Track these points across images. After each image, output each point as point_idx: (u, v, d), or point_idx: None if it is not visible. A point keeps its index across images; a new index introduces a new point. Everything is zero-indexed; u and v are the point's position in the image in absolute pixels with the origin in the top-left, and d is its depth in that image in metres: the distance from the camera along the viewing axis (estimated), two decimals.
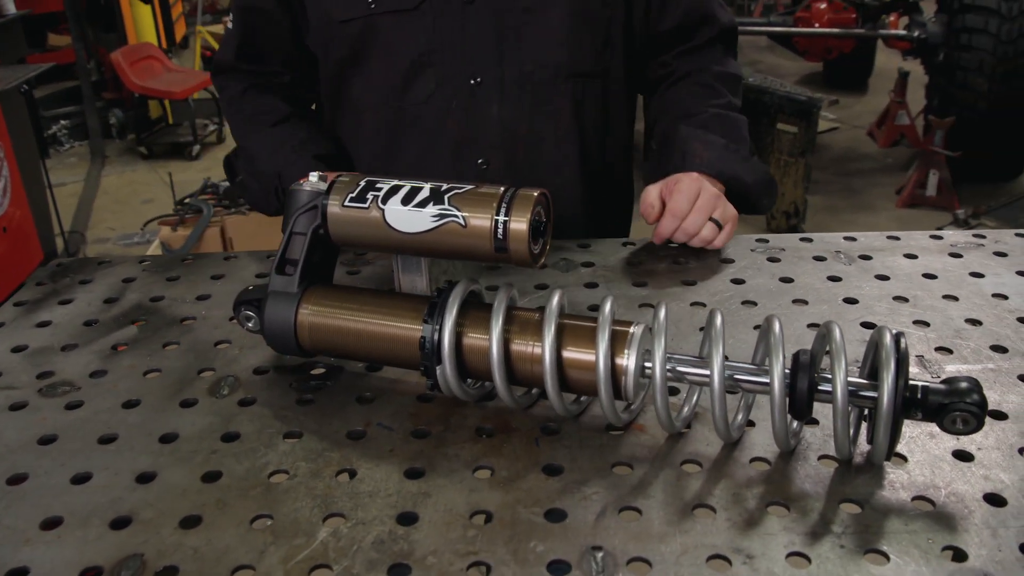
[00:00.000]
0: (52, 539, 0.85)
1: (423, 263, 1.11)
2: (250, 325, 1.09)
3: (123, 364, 1.14)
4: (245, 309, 1.09)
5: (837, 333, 0.88)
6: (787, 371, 0.88)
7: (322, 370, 1.11)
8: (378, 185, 1.03)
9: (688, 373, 0.92)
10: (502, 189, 0.99)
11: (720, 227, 1.36)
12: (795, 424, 0.92)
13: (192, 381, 1.10)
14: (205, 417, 1.02)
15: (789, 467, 0.90)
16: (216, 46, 7.53)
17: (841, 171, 6.39)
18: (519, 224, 0.96)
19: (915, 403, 0.86)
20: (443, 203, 0.99)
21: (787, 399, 0.87)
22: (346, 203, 1.03)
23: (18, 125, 4.31)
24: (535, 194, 0.98)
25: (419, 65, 1.48)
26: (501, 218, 0.97)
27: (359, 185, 1.04)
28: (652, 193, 1.41)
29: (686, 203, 1.36)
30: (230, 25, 1.61)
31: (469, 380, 1.02)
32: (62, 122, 7.59)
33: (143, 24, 7.58)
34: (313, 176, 1.08)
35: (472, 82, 1.47)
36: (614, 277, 1.33)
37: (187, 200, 4.71)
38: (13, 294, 1.35)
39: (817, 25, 6.61)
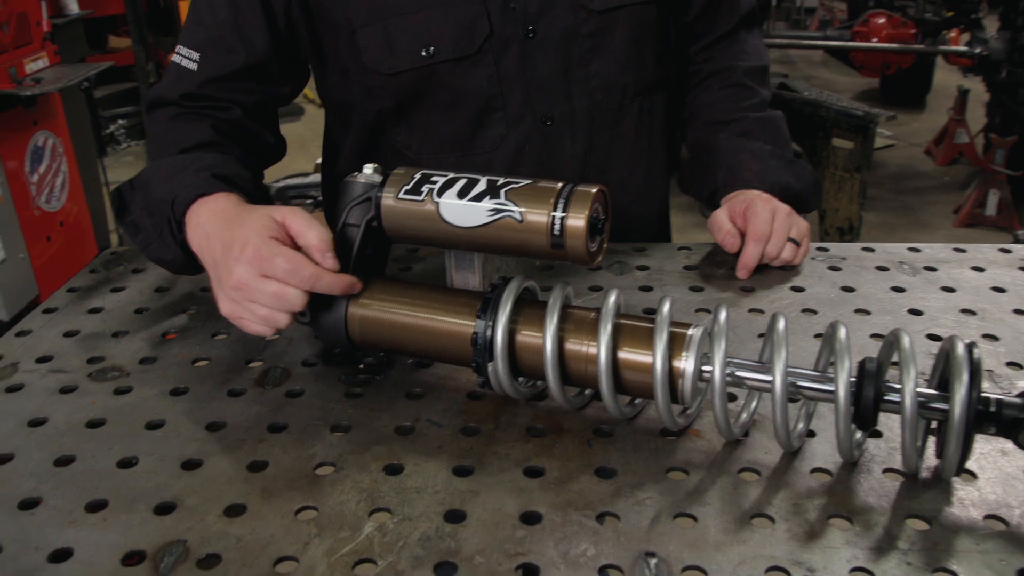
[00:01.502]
0: (97, 521, 0.84)
1: (476, 260, 1.09)
2: (300, 318, 1.08)
3: (172, 352, 1.14)
4: None
5: (906, 341, 0.84)
6: (853, 379, 0.84)
7: (372, 363, 1.10)
8: (433, 178, 1.01)
9: (748, 378, 0.89)
10: (560, 184, 0.97)
11: (798, 245, 1.32)
12: (859, 435, 0.89)
13: (240, 371, 1.09)
14: (252, 407, 1.01)
15: (852, 479, 0.86)
16: None
17: (897, 188, 6.26)
18: (577, 220, 0.94)
19: (988, 417, 0.82)
20: (499, 197, 0.97)
21: (852, 408, 0.84)
22: (401, 195, 1.02)
23: (78, 123, 4.40)
24: (594, 190, 0.96)
25: (486, 111, 1.37)
26: (559, 214, 0.95)
27: (414, 178, 1.02)
28: (725, 220, 1.35)
29: (765, 227, 1.29)
30: (180, 60, 1.32)
31: (521, 378, 1.00)
32: (120, 122, 7.74)
33: None
34: (368, 168, 1.07)
35: (546, 123, 1.39)
36: (670, 281, 1.29)
37: None
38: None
39: (875, 40, 6.49)
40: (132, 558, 0.80)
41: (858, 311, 1.19)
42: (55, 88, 3.70)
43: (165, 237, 1.16)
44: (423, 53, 1.32)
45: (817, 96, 5.04)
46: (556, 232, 0.95)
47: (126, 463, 0.93)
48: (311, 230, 1.01)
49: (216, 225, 1.08)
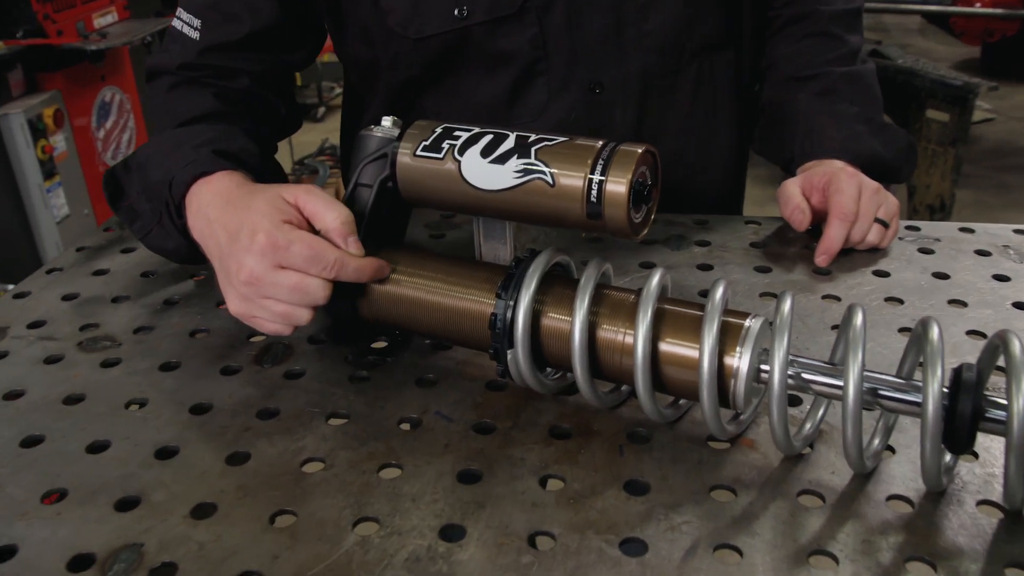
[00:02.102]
0: (50, 515, 0.74)
1: (508, 229, 0.95)
2: None
3: (171, 321, 1.03)
4: None
5: (1016, 346, 0.68)
6: (945, 389, 0.68)
7: (383, 344, 0.97)
8: (456, 133, 0.88)
9: (815, 382, 0.74)
10: (600, 143, 0.82)
11: (887, 226, 1.14)
12: (949, 458, 0.73)
13: (240, 346, 0.98)
14: (245, 388, 0.90)
15: (938, 512, 0.70)
16: None
17: (995, 166, 5.87)
18: (618, 185, 0.80)
19: None
20: (529, 156, 0.83)
21: (943, 425, 0.68)
22: (418, 152, 0.88)
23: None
24: (639, 150, 0.81)
25: (526, 77, 1.21)
26: (597, 177, 0.80)
27: (435, 132, 0.89)
28: (795, 193, 1.17)
29: (851, 205, 1.11)
30: (181, 27, 1.17)
31: (549, 369, 0.86)
32: None
33: None
34: (386, 120, 0.94)
35: (594, 90, 1.22)
36: (733, 259, 1.14)
37: (305, 160, 4.69)
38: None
39: (978, 5, 6.09)
40: (81, 562, 0.70)
41: (952, 302, 1.02)
42: (120, 43, 3.67)
43: (165, 223, 1.03)
44: (455, 13, 1.16)
45: (912, 64, 4.72)
46: (593, 199, 0.80)
47: (96, 447, 0.82)
48: (329, 210, 0.88)
49: (219, 209, 0.95)
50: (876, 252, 1.14)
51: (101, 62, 3.83)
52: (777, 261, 1.13)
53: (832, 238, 1.11)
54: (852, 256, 1.13)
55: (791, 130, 1.25)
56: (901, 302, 1.02)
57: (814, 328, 0.97)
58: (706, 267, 1.12)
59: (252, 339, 0.99)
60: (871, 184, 1.15)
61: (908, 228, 1.20)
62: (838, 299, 1.03)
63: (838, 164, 1.17)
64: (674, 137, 1.29)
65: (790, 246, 1.16)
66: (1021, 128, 6.37)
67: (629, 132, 1.25)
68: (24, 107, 3.40)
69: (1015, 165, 5.92)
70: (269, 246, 0.85)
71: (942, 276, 1.08)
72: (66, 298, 1.10)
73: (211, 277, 1.12)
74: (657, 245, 1.17)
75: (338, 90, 7.53)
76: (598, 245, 1.17)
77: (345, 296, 0.90)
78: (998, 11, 6.02)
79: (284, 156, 5.36)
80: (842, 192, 1.12)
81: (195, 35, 1.16)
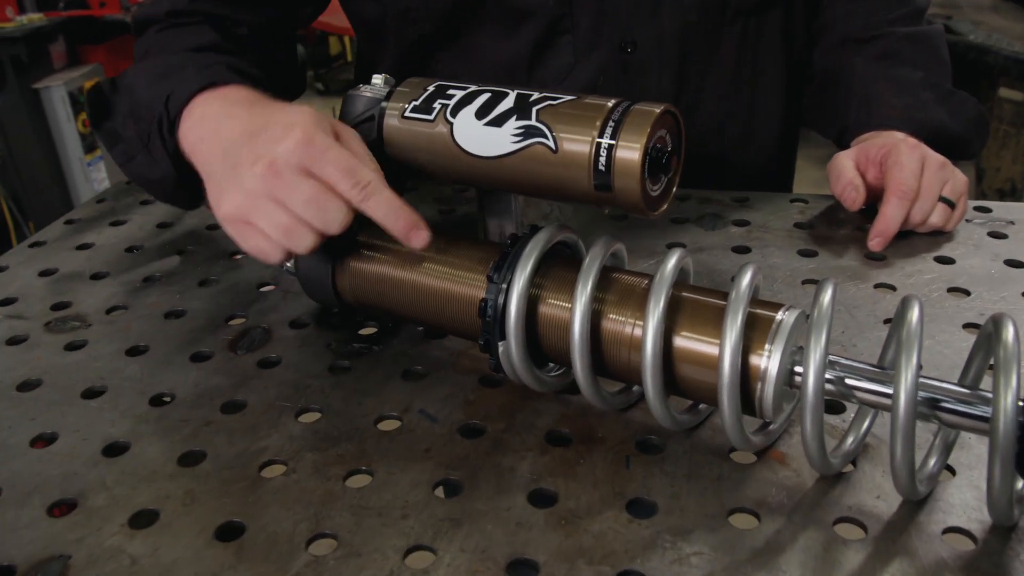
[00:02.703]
0: None
1: (514, 203, 0.85)
2: (288, 265, 0.86)
3: (147, 301, 0.94)
4: None
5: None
6: (1021, 403, 0.56)
7: (373, 330, 0.87)
8: (450, 92, 0.77)
9: (859, 388, 0.61)
10: (612, 102, 0.71)
11: (952, 206, 1.00)
12: (1021, 485, 0.60)
13: (215, 330, 0.88)
14: (213, 377, 0.81)
15: (1008, 551, 0.58)
16: None
17: None
18: (630, 152, 0.68)
19: None
20: (529, 118, 0.72)
21: (1017, 446, 0.55)
22: (407, 113, 0.78)
23: None
24: (657, 111, 0.69)
25: (549, 34, 1.09)
26: (606, 141, 0.69)
27: (427, 90, 0.78)
28: (848, 167, 1.03)
29: (912, 182, 0.98)
30: None
31: (551, 364, 0.75)
32: None
33: None
34: (377, 79, 0.83)
35: (626, 50, 1.10)
36: (774, 242, 1.01)
37: None
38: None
39: None
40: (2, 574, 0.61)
41: None
42: None
43: (154, 146, 0.89)
44: None
45: (984, 40, 4.47)
46: (601, 167, 0.69)
47: (42, 440, 0.74)
48: (365, 148, 0.76)
49: (238, 108, 0.81)
50: (939, 236, 1.00)
51: None
52: (825, 244, 1.00)
53: (889, 217, 0.97)
54: (911, 240, 0.99)
55: (846, 98, 1.12)
56: (967, 293, 0.89)
57: (863, 322, 0.84)
58: (743, 250, 0.99)
59: (231, 322, 0.90)
60: (936, 158, 1.01)
61: (977, 209, 1.06)
62: (893, 288, 0.90)
63: (899, 135, 1.03)
64: (716, 104, 1.16)
65: (840, 228, 1.03)
66: None
67: (667, 97, 1.13)
68: (65, 79, 3.37)
69: None
70: (305, 142, 0.71)
71: (1016, 264, 0.94)
72: (44, 274, 1.02)
73: (200, 253, 1.04)
74: (689, 224, 1.05)
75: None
76: (623, 224, 1.05)
77: (312, 263, 0.80)
78: None
79: None
80: (902, 166, 0.98)
81: None
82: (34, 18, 3.30)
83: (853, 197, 1.01)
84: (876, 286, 0.91)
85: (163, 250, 1.06)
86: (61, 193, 3.45)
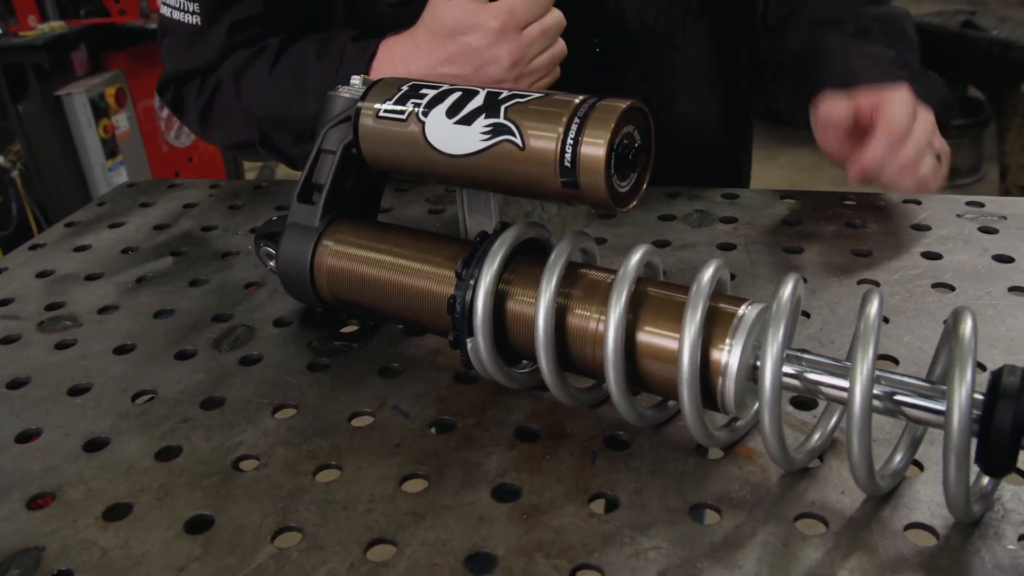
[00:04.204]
0: None
1: (492, 201, 0.85)
2: (272, 264, 0.88)
3: (138, 301, 0.96)
4: (265, 244, 0.88)
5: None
6: (980, 396, 0.55)
7: (355, 328, 0.88)
8: (423, 90, 0.77)
9: (820, 383, 0.61)
10: (580, 98, 0.71)
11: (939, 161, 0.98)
12: (986, 481, 0.59)
13: (202, 328, 0.90)
14: (195, 374, 0.82)
15: (969, 547, 0.57)
16: None
17: None
18: (595, 148, 0.68)
19: None
20: (497, 115, 0.72)
21: (973, 441, 0.55)
22: (381, 113, 0.79)
23: None
24: (623, 106, 0.69)
25: None
26: (571, 138, 0.69)
27: (400, 89, 0.79)
28: (836, 106, 0.97)
29: (904, 121, 0.95)
30: (186, 18, 1.13)
31: (524, 361, 0.75)
32: None
33: None
34: (356, 79, 0.84)
35: (594, 48, 1.12)
36: (760, 238, 1.01)
37: None
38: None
39: None
40: None
41: (1014, 289, 0.87)
42: None
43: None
44: None
45: (1008, 35, 4.40)
46: (567, 163, 0.69)
47: (26, 436, 0.75)
48: None
49: (405, 45, 1.02)
50: (928, 231, 0.99)
51: None
52: (812, 241, 0.99)
53: (873, 151, 0.94)
54: (898, 234, 0.99)
55: (823, 71, 1.10)
56: (952, 288, 0.88)
57: (843, 317, 0.84)
58: (728, 246, 0.99)
59: (216, 321, 0.91)
60: (928, 113, 0.99)
61: (969, 204, 1.05)
62: (876, 284, 0.89)
63: (905, 86, 1.00)
64: (690, 101, 1.16)
65: (828, 224, 1.03)
66: None
67: (640, 96, 1.13)
68: (87, 86, 3.42)
69: None
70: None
71: (1005, 259, 0.93)
72: (41, 275, 1.04)
73: (194, 253, 1.05)
74: (676, 222, 1.05)
75: None
76: (610, 221, 1.05)
77: (291, 261, 0.81)
78: None
79: None
80: (893, 108, 0.96)
81: (195, 20, 1.12)
82: (55, 26, 3.36)
83: (838, 149, 0.98)
84: (859, 282, 0.90)
85: (157, 251, 1.07)
86: (83, 198, 3.50)
